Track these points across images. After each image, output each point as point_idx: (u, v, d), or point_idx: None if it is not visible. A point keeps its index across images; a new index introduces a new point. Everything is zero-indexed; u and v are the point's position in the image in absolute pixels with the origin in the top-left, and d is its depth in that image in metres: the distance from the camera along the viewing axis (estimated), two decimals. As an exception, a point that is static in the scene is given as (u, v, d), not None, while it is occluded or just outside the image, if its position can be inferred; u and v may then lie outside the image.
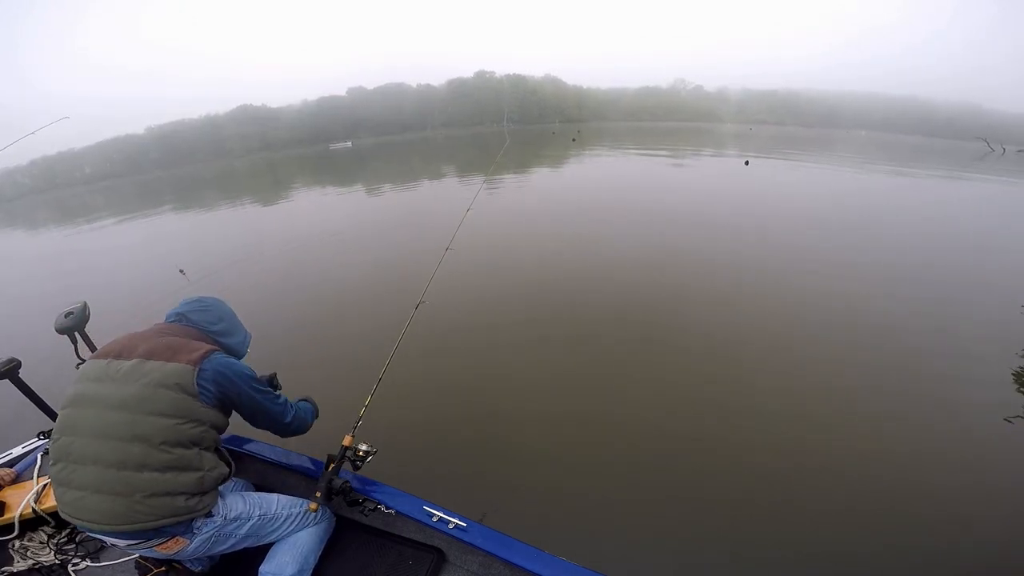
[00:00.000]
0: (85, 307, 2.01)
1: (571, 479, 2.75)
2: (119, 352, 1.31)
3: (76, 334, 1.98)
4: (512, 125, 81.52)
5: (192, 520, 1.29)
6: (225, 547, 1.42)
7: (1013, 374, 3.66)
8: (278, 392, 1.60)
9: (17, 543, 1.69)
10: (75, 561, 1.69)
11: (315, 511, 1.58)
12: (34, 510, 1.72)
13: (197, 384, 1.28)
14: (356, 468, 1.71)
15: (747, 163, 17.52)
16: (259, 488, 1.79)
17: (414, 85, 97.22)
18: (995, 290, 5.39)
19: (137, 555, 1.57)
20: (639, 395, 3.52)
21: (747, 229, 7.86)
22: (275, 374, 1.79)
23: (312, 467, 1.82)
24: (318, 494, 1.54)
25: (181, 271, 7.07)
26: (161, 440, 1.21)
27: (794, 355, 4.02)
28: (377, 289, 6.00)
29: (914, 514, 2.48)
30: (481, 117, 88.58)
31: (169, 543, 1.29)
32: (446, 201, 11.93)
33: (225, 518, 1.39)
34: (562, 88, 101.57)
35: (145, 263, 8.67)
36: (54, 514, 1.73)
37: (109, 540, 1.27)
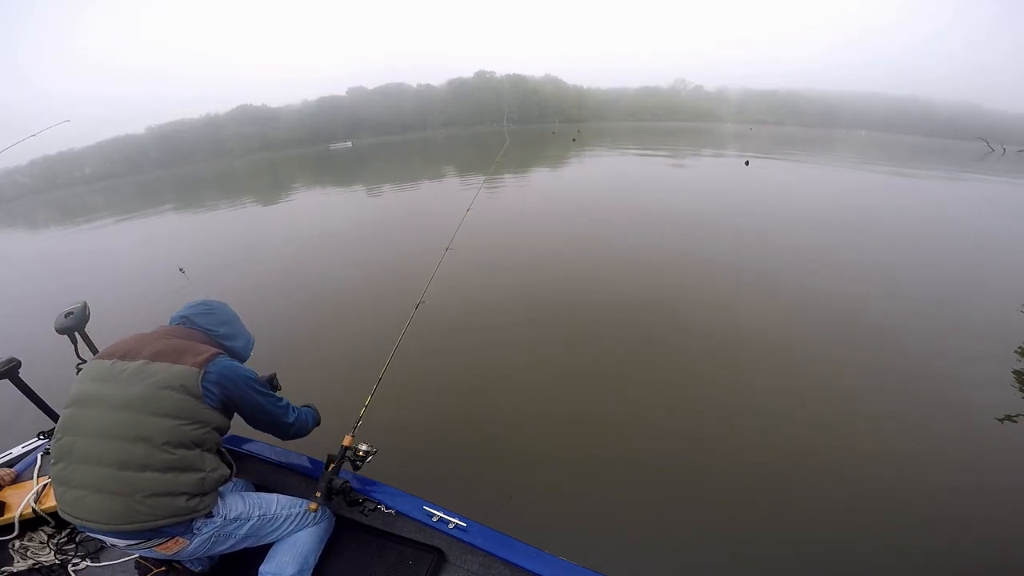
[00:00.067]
0: (85, 307, 2.01)
1: (571, 479, 2.75)
2: (124, 353, 1.31)
3: (76, 334, 1.98)
4: (512, 125, 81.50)
5: (192, 520, 1.29)
6: (225, 547, 1.42)
7: (1013, 374, 3.66)
8: (279, 395, 1.60)
9: (17, 543, 1.69)
10: (75, 561, 1.69)
11: (315, 511, 1.57)
12: (34, 510, 1.71)
13: (202, 386, 1.28)
14: (356, 468, 1.71)
15: (747, 163, 17.53)
16: (259, 488, 1.79)
17: (414, 85, 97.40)
18: (995, 290, 5.39)
19: (137, 555, 1.57)
20: (639, 395, 3.52)
21: (747, 229, 7.86)
22: (275, 374, 1.79)
23: (312, 467, 1.82)
24: (318, 494, 1.54)
25: (181, 270, 7.08)
26: (164, 441, 1.21)
27: (794, 355, 4.02)
28: (377, 289, 6.01)
29: (914, 514, 2.48)
30: (481, 117, 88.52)
31: (169, 543, 1.29)
32: (446, 201, 11.94)
33: (225, 518, 1.39)
34: (562, 88, 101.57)
35: (145, 263, 8.68)
36: (54, 514, 1.73)
37: (109, 540, 1.27)
